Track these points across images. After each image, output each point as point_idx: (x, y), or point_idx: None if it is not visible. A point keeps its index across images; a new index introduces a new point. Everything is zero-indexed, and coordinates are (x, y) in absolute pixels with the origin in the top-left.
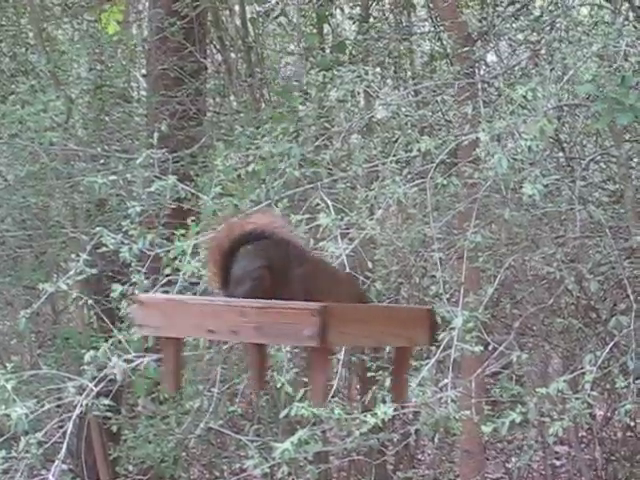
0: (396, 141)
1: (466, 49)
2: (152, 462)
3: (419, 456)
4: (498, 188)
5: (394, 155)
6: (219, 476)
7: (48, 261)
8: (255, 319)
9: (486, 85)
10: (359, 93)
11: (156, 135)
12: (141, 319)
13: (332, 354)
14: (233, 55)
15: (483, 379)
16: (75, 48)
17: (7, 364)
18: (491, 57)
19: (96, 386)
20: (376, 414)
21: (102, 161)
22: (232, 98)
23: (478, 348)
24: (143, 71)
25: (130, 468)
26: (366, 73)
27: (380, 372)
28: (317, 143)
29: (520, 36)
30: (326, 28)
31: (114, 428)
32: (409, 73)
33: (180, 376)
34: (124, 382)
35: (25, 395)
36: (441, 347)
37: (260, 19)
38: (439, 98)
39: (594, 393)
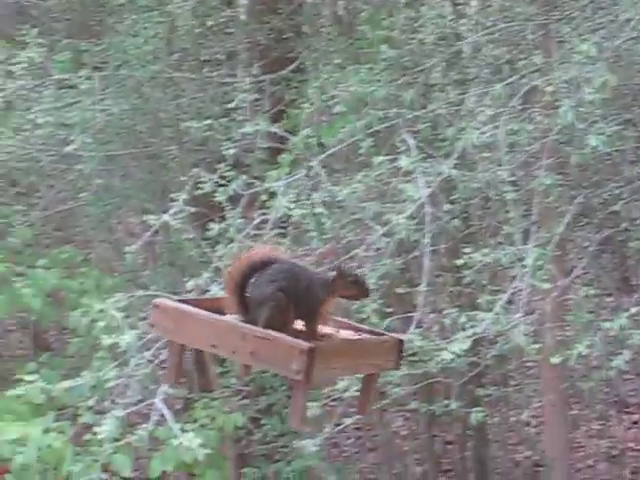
0: (475, 78)
1: None
2: (253, 375)
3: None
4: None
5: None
6: None
7: (155, 182)
8: (252, 345)
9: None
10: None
11: (249, 80)
12: (153, 320)
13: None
14: None
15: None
16: None
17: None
18: None
19: None
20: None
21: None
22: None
23: (546, 285)
24: None
25: (233, 380)
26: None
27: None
28: (400, 81)
29: None
30: None
31: None
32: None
33: (181, 369)
34: None
35: (134, 316)
36: (514, 282)
37: None
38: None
39: None
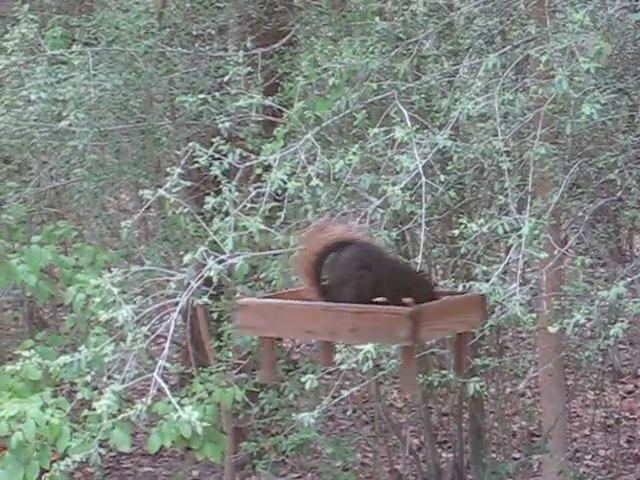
0: (468, 49)
1: None
2: (249, 349)
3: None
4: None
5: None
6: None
7: (148, 157)
8: (351, 321)
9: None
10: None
11: (241, 53)
12: (242, 321)
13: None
14: None
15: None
16: None
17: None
18: None
19: (196, 283)
20: None
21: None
22: None
23: (543, 255)
24: None
25: (230, 355)
26: None
27: None
28: (393, 53)
29: None
30: None
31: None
32: None
33: (274, 368)
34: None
35: (130, 291)
36: (510, 252)
37: None
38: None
39: None
